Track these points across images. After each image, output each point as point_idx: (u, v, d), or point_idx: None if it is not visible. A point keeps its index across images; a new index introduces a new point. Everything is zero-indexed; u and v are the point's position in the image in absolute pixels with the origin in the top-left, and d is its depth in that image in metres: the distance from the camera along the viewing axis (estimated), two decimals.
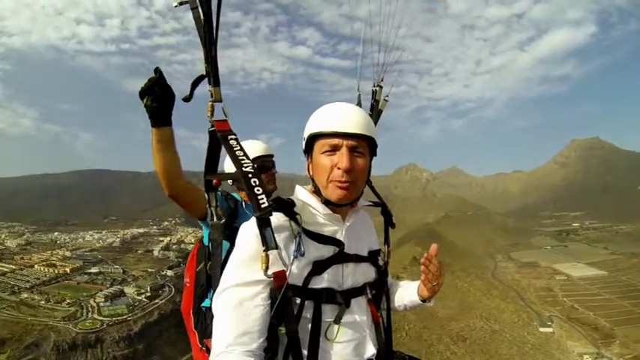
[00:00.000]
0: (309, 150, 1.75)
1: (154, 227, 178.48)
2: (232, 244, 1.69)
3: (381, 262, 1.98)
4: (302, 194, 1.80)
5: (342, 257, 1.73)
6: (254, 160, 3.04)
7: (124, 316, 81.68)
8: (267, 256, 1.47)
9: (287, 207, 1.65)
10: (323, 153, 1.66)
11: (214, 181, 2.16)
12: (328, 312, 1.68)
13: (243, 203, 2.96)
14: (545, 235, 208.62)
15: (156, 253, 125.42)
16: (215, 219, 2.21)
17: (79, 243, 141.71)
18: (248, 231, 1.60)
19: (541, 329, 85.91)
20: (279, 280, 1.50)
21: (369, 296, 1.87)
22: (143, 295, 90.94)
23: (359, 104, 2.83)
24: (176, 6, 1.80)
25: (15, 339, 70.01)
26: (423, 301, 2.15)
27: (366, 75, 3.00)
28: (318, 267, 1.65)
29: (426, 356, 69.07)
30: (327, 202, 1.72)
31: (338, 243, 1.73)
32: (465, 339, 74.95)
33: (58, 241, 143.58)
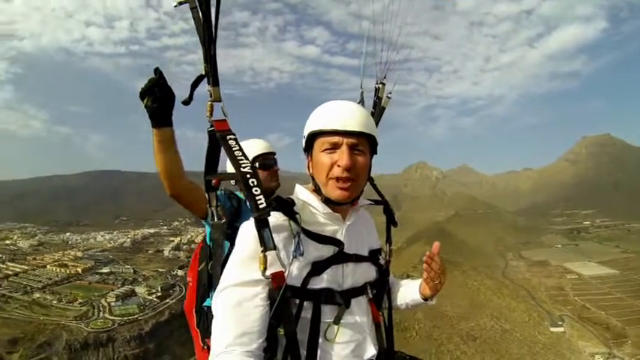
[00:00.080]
0: (309, 148, 1.75)
1: (165, 227, 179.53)
2: (233, 244, 1.68)
3: (382, 261, 1.97)
4: (302, 193, 1.80)
5: (341, 257, 1.72)
6: (256, 158, 3.07)
7: (135, 316, 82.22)
8: (264, 257, 1.46)
9: (286, 206, 1.65)
10: (323, 151, 1.65)
11: (214, 181, 2.17)
12: (328, 312, 1.67)
13: (247, 202, 3.01)
14: (556, 233, 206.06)
15: (166, 253, 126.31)
16: (216, 219, 2.26)
17: (90, 243, 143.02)
18: (247, 231, 1.59)
19: (552, 329, 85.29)
20: (277, 281, 1.50)
21: (370, 296, 1.85)
22: (154, 295, 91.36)
23: (362, 101, 2.85)
24: (176, 6, 1.82)
25: (28, 338, 70.80)
26: (425, 299, 2.13)
27: (371, 73, 3.00)
28: (317, 267, 1.64)
29: (436, 355, 69.07)
30: (327, 201, 1.71)
31: (337, 243, 1.72)
32: (475, 338, 74.77)
33: (70, 242, 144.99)
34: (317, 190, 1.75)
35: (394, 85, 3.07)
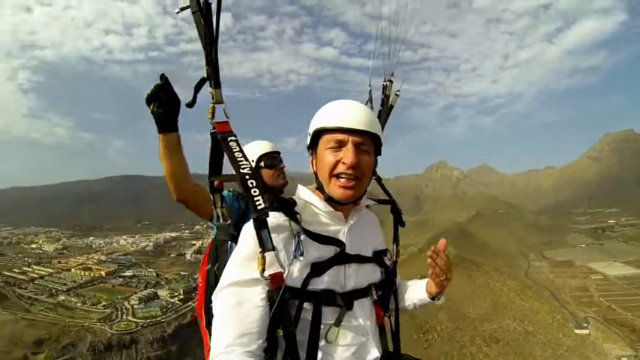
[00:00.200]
0: (313, 146, 1.74)
1: (186, 231, 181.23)
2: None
3: (388, 262, 1.95)
4: (304, 193, 1.79)
5: (343, 258, 1.70)
6: (260, 158, 3.09)
7: (158, 318, 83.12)
8: (263, 257, 1.45)
9: (287, 206, 1.64)
10: (328, 149, 1.65)
11: (216, 182, 2.22)
12: (328, 314, 1.65)
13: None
14: (580, 232, 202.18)
15: (188, 256, 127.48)
16: (221, 220, 2.32)
17: (113, 247, 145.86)
18: (247, 232, 1.59)
19: (577, 331, 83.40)
20: (275, 282, 1.50)
21: (375, 297, 1.83)
22: (176, 298, 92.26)
23: (370, 100, 2.91)
24: (178, 12, 1.86)
25: (52, 339, 72.31)
26: (432, 298, 2.12)
27: (382, 72, 3.05)
28: (317, 268, 1.63)
29: (458, 358, 68.39)
30: (329, 200, 1.71)
31: (339, 243, 1.70)
32: (498, 340, 73.70)
33: (94, 246, 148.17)
34: (320, 189, 1.74)
35: (402, 83, 3.11)
